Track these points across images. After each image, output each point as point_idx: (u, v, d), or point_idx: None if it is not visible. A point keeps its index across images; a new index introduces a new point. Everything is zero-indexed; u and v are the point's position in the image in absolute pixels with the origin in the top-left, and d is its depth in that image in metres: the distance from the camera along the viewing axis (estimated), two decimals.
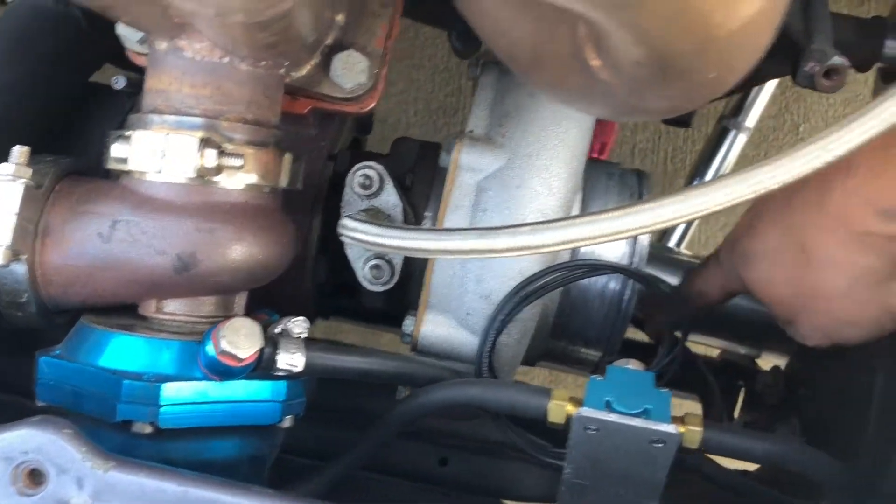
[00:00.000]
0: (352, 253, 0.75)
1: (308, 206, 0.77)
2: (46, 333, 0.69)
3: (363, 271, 0.75)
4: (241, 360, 0.55)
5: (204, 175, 0.58)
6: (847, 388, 0.79)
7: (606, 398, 0.59)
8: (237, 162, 0.59)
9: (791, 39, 0.89)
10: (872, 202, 0.62)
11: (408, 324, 0.74)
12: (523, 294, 0.69)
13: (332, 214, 0.78)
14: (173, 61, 0.60)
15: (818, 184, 0.64)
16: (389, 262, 0.75)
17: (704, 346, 1.11)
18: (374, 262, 0.75)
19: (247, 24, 0.51)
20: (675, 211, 0.48)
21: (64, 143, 0.78)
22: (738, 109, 1.37)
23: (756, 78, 1.11)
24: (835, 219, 0.65)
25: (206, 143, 0.58)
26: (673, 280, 1.15)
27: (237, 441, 0.61)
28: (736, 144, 1.36)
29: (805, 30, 0.88)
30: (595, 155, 0.91)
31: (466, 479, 0.91)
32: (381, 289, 0.75)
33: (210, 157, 0.58)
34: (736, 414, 1.08)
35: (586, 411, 0.58)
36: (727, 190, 0.47)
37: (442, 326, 0.73)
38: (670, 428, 0.58)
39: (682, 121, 1.13)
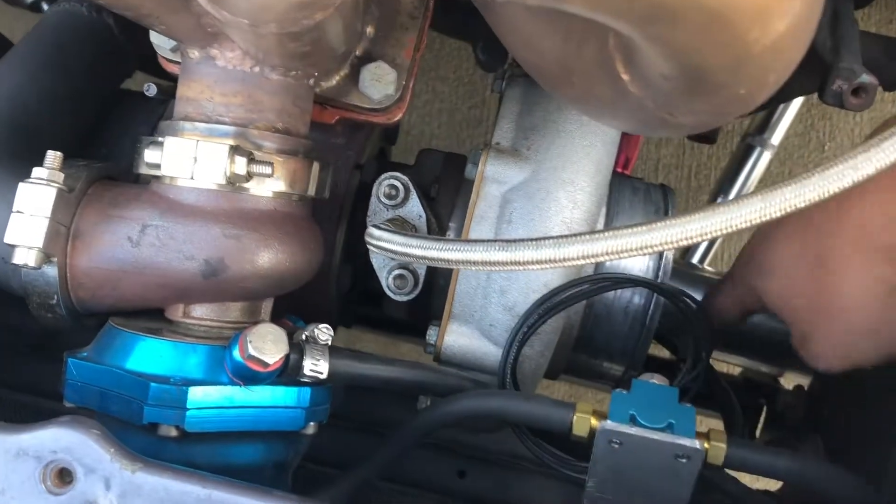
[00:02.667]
0: (376, 262, 0.76)
1: (334, 215, 0.77)
2: (68, 337, 0.70)
3: (387, 281, 0.76)
4: (267, 365, 0.56)
5: (234, 182, 0.59)
6: (872, 410, 0.78)
7: (631, 412, 0.59)
8: (266, 169, 0.59)
9: (819, 57, 0.89)
10: (891, 213, 0.61)
11: (431, 334, 0.74)
12: (547, 306, 0.69)
13: (358, 223, 0.78)
14: (205, 70, 0.61)
15: (838, 195, 0.64)
16: (413, 272, 0.76)
17: (726, 363, 1.10)
18: (398, 271, 0.75)
19: (280, 34, 0.52)
20: (701, 228, 0.48)
21: (96, 149, 0.80)
22: (764, 127, 1.37)
23: (783, 95, 1.11)
24: (854, 230, 0.64)
25: (236, 150, 0.59)
26: (696, 296, 1.15)
27: (261, 446, 0.61)
28: (761, 162, 1.36)
29: (833, 47, 0.88)
30: (619, 169, 0.91)
31: (484, 491, 0.91)
32: (405, 299, 0.76)
33: (240, 165, 0.58)
34: (758, 433, 1.07)
35: (611, 424, 0.59)
36: (753, 208, 0.47)
37: (465, 337, 0.73)
38: (695, 443, 0.58)
39: (707, 136, 1.13)
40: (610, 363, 0.82)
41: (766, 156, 1.36)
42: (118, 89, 0.86)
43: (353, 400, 0.87)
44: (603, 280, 0.70)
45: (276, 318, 0.69)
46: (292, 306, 0.73)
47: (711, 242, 1.44)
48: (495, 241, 0.52)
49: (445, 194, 0.81)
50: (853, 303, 0.64)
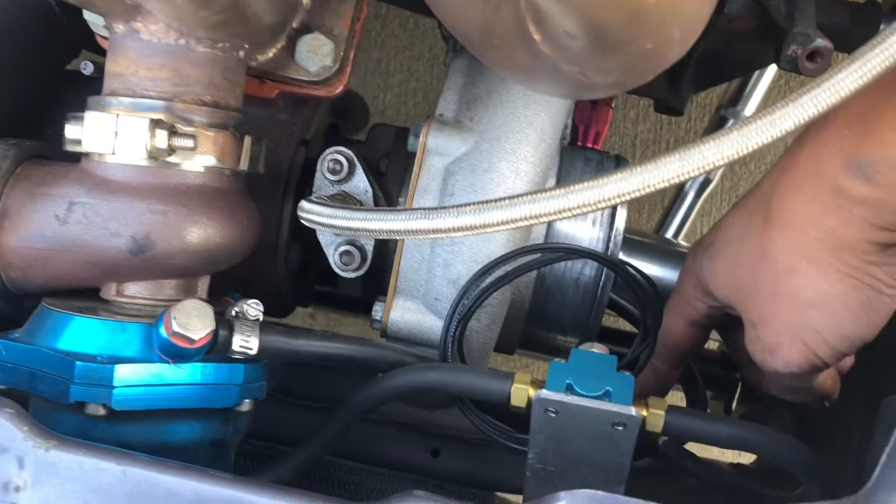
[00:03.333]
0: (323, 239, 0.75)
1: (279, 192, 0.76)
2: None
3: (334, 257, 0.75)
4: (193, 341, 0.55)
5: (157, 156, 0.58)
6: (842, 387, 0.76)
7: (568, 381, 0.58)
8: (189, 143, 0.58)
9: (774, 23, 0.88)
10: (844, 152, 0.55)
11: (377, 309, 0.73)
12: (491, 281, 0.68)
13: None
14: (130, 44, 0.60)
15: (791, 146, 0.59)
16: (360, 248, 0.75)
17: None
18: (344, 248, 0.75)
19: (188, 1, 0.51)
20: (619, 188, 0.47)
21: (38, 131, 0.79)
22: (737, 98, 1.35)
23: (743, 66, 1.10)
24: (801, 171, 0.58)
25: (157, 123, 0.58)
26: (665, 270, 1.14)
27: (196, 424, 0.61)
28: None
29: (788, 13, 0.87)
30: (590, 143, 0.89)
31: (459, 470, 0.91)
32: (353, 275, 0.75)
33: (161, 138, 0.57)
34: (734, 406, 1.07)
35: (546, 394, 0.58)
36: (672, 166, 0.46)
37: (410, 312, 0.72)
38: (630, 410, 0.57)
39: (674, 107, 1.11)
40: (564, 336, 0.81)
41: None
42: (64, 70, 0.85)
43: (303, 377, 0.87)
44: (547, 250, 0.69)
45: (218, 297, 0.68)
46: (238, 285, 0.72)
47: (686, 217, 1.43)
48: (417, 209, 0.51)
49: (394, 169, 0.80)
50: (795, 259, 0.58)
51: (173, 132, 0.58)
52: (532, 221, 0.49)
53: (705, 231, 1.56)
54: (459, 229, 0.50)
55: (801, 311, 0.59)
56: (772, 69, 1.33)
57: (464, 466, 0.91)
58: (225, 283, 0.69)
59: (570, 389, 0.58)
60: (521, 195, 0.48)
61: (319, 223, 0.58)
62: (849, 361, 0.71)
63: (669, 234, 1.38)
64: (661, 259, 1.12)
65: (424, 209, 0.51)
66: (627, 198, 0.47)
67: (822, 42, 0.84)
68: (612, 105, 0.92)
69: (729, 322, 0.71)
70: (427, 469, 0.91)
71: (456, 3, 0.52)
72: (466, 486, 0.90)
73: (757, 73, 1.35)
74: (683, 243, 1.34)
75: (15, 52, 0.77)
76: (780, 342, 0.60)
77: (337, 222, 0.56)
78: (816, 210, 0.57)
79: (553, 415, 0.58)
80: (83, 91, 0.82)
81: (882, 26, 0.95)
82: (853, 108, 0.53)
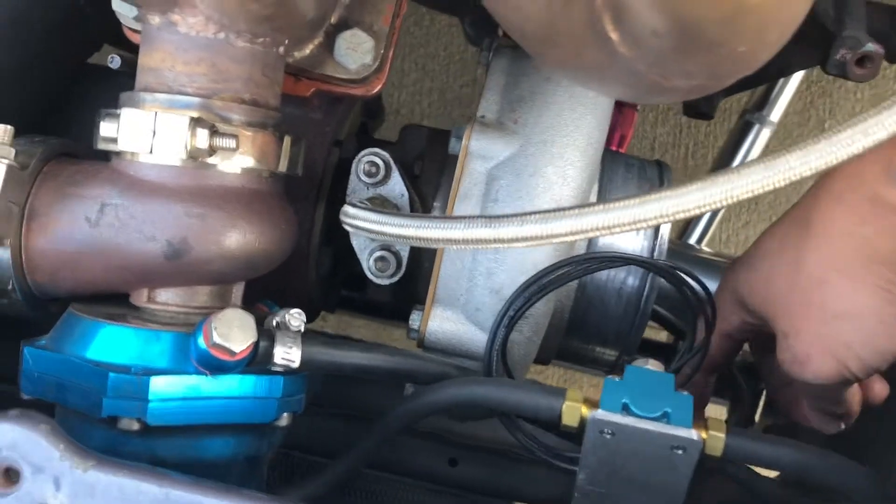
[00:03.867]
0: (357, 243, 0.72)
1: (312, 194, 0.73)
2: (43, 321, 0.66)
3: (368, 263, 0.72)
4: (234, 353, 0.52)
5: (196, 156, 0.55)
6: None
7: (623, 400, 0.55)
8: (231, 143, 0.55)
9: (822, 26, 0.85)
10: (886, 161, 0.55)
11: (414, 318, 0.70)
12: (535, 289, 0.65)
13: (338, 203, 0.74)
14: (166, 37, 0.57)
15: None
16: (396, 253, 0.72)
17: None
18: (379, 253, 0.71)
19: None
20: (699, 199, 0.44)
21: (60, 126, 0.76)
22: (763, 103, 1.33)
23: (784, 68, 1.07)
24: (842, 182, 0.58)
25: (197, 122, 0.55)
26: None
27: (231, 440, 0.58)
28: (760, 139, 1.31)
29: (837, 16, 0.84)
30: (614, 147, 0.87)
31: (477, 480, 0.89)
32: (387, 282, 0.72)
33: (202, 138, 0.54)
34: (756, 418, 1.04)
35: (601, 414, 0.55)
36: (754, 176, 0.43)
37: (450, 322, 0.69)
38: (691, 434, 0.54)
39: (704, 112, 1.09)
40: (603, 348, 0.78)
41: (766, 133, 1.31)
42: (86, 63, 0.82)
43: (336, 386, 0.84)
44: (594, 259, 0.66)
45: (249, 304, 0.65)
46: (268, 291, 0.69)
47: (709, 222, 1.40)
48: (477, 217, 0.48)
49: (429, 172, 0.76)
50: (833, 268, 0.58)
51: (214, 132, 0.55)
52: (603, 232, 0.46)
53: (725, 238, 1.52)
54: (524, 239, 0.47)
55: (831, 323, 0.58)
56: (798, 73, 1.31)
57: (482, 476, 0.89)
58: (256, 288, 0.66)
59: (626, 410, 0.55)
60: (594, 204, 0.45)
61: (368, 230, 0.55)
62: (884, 392, 0.70)
63: (692, 241, 1.36)
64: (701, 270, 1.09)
65: (485, 217, 0.48)
66: (708, 208, 0.44)
67: (872, 47, 0.81)
68: (637, 108, 0.89)
69: (761, 340, 0.70)
70: (445, 478, 0.89)
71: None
72: (485, 495, 0.88)
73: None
74: (707, 249, 1.32)
75: (36, 45, 0.74)
76: (811, 354, 0.60)
77: (390, 229, 0.53)
78: (855, 220, 0.57)
79: (609, 436, 0.55)
80: (107, 86, 0.79)
81: None
82: None
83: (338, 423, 0.83)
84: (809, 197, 0.62)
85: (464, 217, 0.49)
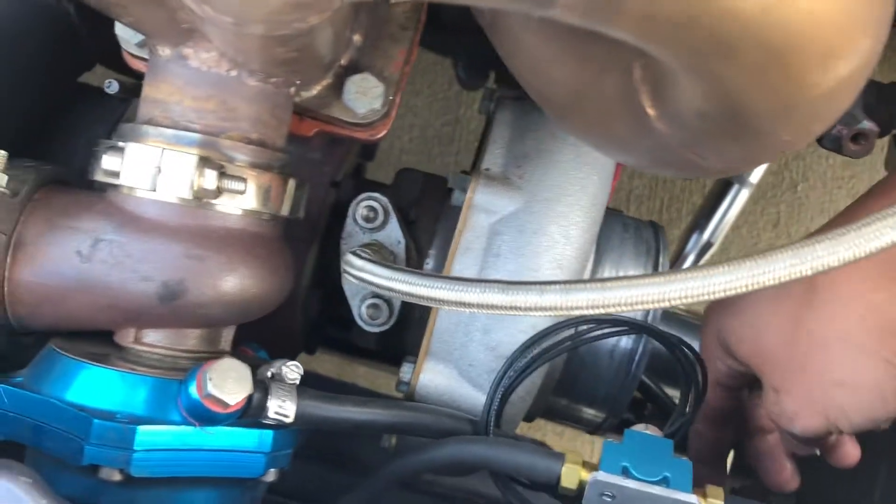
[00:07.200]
0: (349, 289, 0.70)
1: (306, 235, 0.71)
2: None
3: (360, 310, 0.70)
4: (227, 405, 0.50)
5: (201, 197, 0.53)
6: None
7: (623, 463, 0.55)
8: (239, 185, 0.53)
9: None
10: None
11: (405, 370, 0.68)
12: (538, 352, 0.64)
13: (331, 245, 0.73)
14: (176, 70, 0.55)
15: (840, 214, 0.56)
16: (389, 302, 0.70)
17: None
18: (371, 301, 0.70)
19: (266, 36, 0.46)
20: (725, 282, 0.43)
21: (48, 148, 0.72)
22: None
23: None
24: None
25: (205, 161, 0.52)
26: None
27: (214, 493, 0.55)
28: (738, 199, 1.33)
29: None
30: None
31: None
32: (378, 329, 0.70)
33: (210, 178, 0.52)
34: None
35: (603, 476, 0.54)
36: (784, 263, 0.43)
37: (442, 376, 0.67)
38: (692, 498, 0.54)
39: None
40: (591, 409, 0.77)
41: (745, 193, 1.33)
42: (76, 83, 0.79)
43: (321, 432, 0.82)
44: (597, 322, 0.65)
45: (234, 346, 0.62)
46: (253, 332, 0.67)
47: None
48: (493, 282, 0.47)
49: (425, 219, 0.75)
50: (837, 337, 0.56)
51: (223, 173, 0.53)
52: (626, 309, 0.45)
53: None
54: (543, 309, 0.46)
55: (829, 389, 0.57)
56: None
57: None
58: (241, 331, 0.64)
59: (626, 473, 0.55)
60: (620, 279, 0.44)
61: (375, 284, 0.53)
62: (854, 455, 0.69)
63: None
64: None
65: (502, 283, 0.47)
66: (732, 292, 0.44)
67: (867, 124, 0.82)
68: None
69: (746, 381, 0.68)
70: None
71: (544, 63, 0.48)
72: None
73: None
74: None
75: (27, 63, 0.71)
76: (801, 412, 0.59)
77: (398, 286, 0.51)
78: (866, 285, 0.54)
79: (608, 499, 0.54)
80: (96, 109, 0.76)
81: None
82: None
83: (315, 468, 0.80)
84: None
85: (479, 281, 0.47)
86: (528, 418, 0.79)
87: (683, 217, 1.63)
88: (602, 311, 0.45)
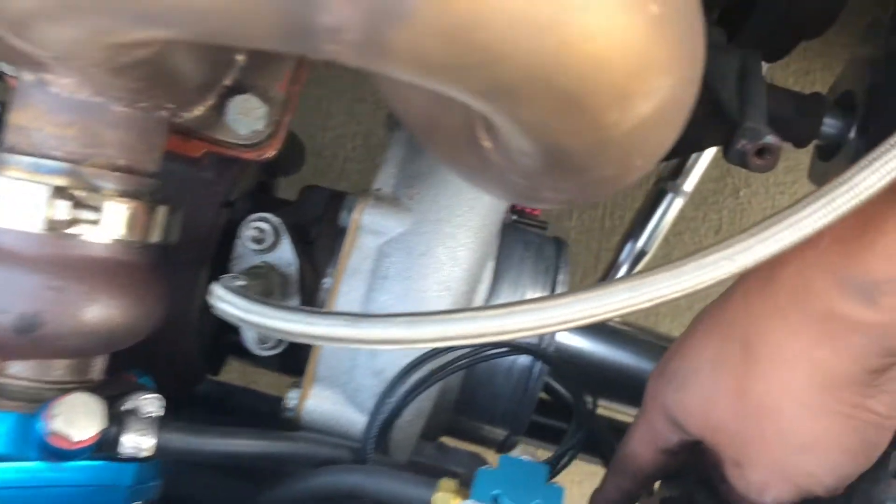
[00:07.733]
0: None
1: (194, 258, 0.70)
2: None
3: (249, 334, 0.69)
4: (73, 442, 0.49)
5: (55, 228, 0.52)
6: None
7: (494, 491, 0.55)
8: (93, 216, 0.52)
9: (725, 113, 0.86)
10: (837, 273, 0.48)
11: (291, 397, 0.68)
12: (424, 376, 0.64)
13: (224, 266, 0.72)
14: (38, 95, 0.54)
15: (769, 262, 0.53)
16: None
17: (627, 414, 1.06)
18: None
19: (102, 69, 0.45)
20: (560, 315, 0.43)
21: None
22: (678, 172, 1.34)
23: (693, 146, 1.08)
24: (785, 297, 0.51)
25: (58, 192, 0.51)
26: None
27: None
28: (672, 208, 1.33)
29: (739, 105, 0.85)
30: (528, 210, 0.85)
31: None
32: (268, 353, 0.69)
33: (61, 210, 0.51)
34: (655, 487, 1.04)
35: None
36: (619, 297, 0.42)
37: (328, 402, 0.67)
38: None
39: None
40: (492, 426, 0.76)
41: (678, 202, 1.33)
42: None
43: None
44: (481, 348, 0.65)
45: (117, 374, 0.61)
46: (142, 358, 0.66)
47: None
48: (341, 314, 0.46)
49: (325, 238, 0.74)
50: (785, 398, 0.52)
51: (77, 203, 0.52)
52: (469, 340, 0.44)
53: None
54: (388, 342, 0.45)
55: (792, 454, 0.54)
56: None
57: None
58: (125, 356, 0.63)
59: (495, 502, 0.54)
60: (463, 311, 0.44)
61: (233, 315, 0.52)
62: None
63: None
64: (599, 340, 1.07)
65: (350, 316, 0.46)
66: (572, 325, 0.43)
67: (771, 139, 0.82)
68: None
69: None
70: None
71: (403, 86, 0.48)
72: None
73: None
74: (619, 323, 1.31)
75: None
76: (769, 482, 0.55)
77: (253, 318, 0.50)
78: (807, 342, 0.51)
79: None
80: None
81: (826, 118, 0.95)
82: (844, 221, 0.44)
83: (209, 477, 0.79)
84: (739, 309, 0.55)
85: (327, 313, 0.47)
86: (431, 437, 0.78)
87: (626, 224, 1.63)
88: (447, 343, 0.45)
